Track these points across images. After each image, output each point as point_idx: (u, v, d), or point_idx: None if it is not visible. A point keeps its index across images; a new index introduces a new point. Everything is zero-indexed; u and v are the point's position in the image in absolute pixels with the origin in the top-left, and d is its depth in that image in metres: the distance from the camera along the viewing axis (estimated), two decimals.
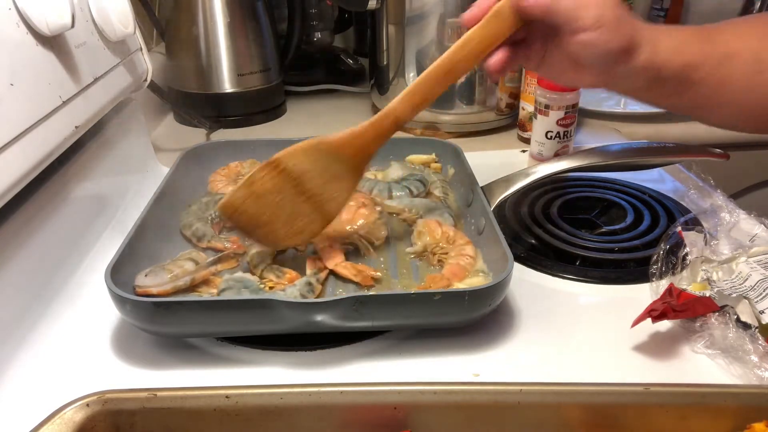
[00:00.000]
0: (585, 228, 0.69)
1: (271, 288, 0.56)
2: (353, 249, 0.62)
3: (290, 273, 0.58)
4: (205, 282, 0.57)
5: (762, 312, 0.49)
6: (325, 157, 0.53)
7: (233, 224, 0.54)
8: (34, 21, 0.53)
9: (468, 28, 0.50)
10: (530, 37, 0.52)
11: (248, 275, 0.57)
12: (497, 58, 0.51)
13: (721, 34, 0.53)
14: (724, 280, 0.55)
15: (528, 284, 0.60)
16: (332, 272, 0.59)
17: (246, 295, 0.53)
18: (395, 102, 0.52)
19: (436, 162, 0.78)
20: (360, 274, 0.57)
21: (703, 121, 0.58)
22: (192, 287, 0.56)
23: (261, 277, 0.57)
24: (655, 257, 0.58)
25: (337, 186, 0.54)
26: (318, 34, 1.22)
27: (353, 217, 0.65)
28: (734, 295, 0.52)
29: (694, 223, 0.60)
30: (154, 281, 0.54)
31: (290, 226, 0.53)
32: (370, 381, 0.43)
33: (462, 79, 0.93)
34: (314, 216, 0.53)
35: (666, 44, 0.50)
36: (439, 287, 0.54)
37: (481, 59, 0.51)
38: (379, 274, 0.58)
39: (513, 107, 0.98)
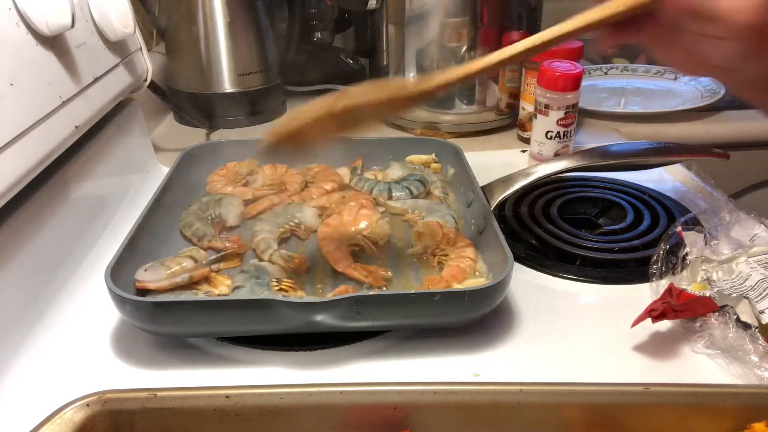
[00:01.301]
0: (585, 228, 0.69)
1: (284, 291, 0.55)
2: (359, 250, 0.62)
3: (298, 258, 0.59)
4: (205, 280, 0.57)
5: (762, 312, 0.49)
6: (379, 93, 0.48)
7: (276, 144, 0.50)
8: (34, 21, 0.53)
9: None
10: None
11: (263, 264, 0.58)
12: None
13: None
14: (724, 280, 0.55)
15: (528, 284, 0.60)
16: (335, 273, 0.59)
17: (245, 296, 0.54)
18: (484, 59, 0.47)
19: (436, 162, 0.78)
20: (371, 275, 0.57)
21: None
22: (190, 285, 0.56)
23: (272, 262, 0.59)
24: (655, 257, 0.58)
25: (371, 117, 0.50)
26: (318, 34, 1.21)
27: (355, 218, 0.65)
28: (734, 295, 0.52)
29: (694, 223, 0.60)
30: (152, 276, 0.54)
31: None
32: (370, 381, 0.43)
33: None
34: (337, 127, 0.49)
35: None
36: (438, 289, 0.53)
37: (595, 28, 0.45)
38: (389, 273, 0.58)
39: (513, 107, 0.97)
